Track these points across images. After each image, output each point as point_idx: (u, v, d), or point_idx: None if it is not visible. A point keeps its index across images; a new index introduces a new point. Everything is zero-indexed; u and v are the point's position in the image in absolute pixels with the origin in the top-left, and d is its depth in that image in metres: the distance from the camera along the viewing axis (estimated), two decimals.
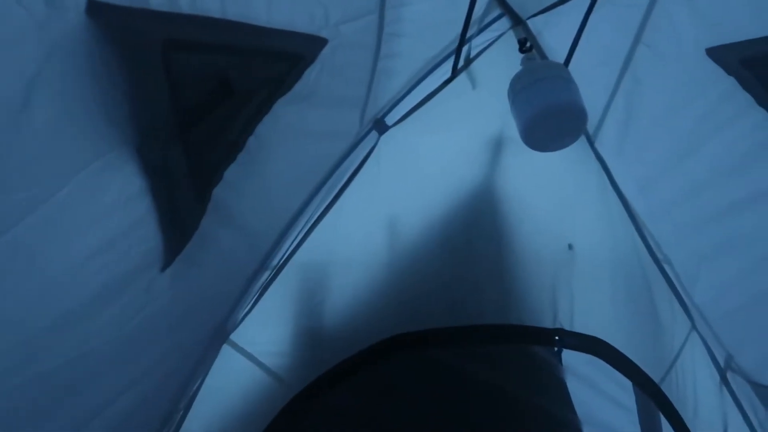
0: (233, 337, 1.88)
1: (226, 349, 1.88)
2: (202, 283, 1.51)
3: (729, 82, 1.48)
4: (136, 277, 1.23)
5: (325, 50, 1.41)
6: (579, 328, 2.16)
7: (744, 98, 1.48)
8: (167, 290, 1.35)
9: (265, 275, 1.87)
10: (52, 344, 1.09)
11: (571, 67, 1.65)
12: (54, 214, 0.96)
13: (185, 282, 1.41)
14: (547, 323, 2.17)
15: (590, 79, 1.61)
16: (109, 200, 1.07)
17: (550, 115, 1.47)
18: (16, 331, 1.00)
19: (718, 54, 1.47)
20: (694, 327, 2.09)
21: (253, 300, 1.89)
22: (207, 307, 1.67)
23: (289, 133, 1.50)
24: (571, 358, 2.26)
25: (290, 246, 1.92)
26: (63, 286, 1.06)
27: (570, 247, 2.14)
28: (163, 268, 1.30)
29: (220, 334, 1.83)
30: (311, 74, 1.42)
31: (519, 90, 1.52)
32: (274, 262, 1.87)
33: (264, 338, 1.99)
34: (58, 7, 0.84)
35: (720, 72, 1.48)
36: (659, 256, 2.06)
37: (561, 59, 1.73)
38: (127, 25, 0.96)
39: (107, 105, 1.00)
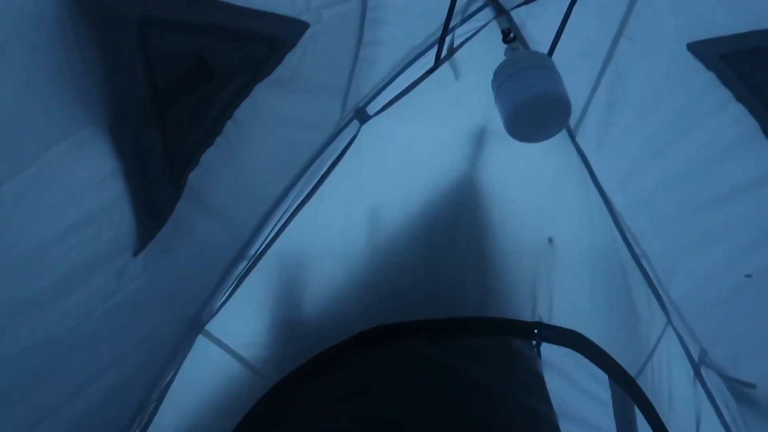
0: (209, 327, 1.85)
1: (201, 339, 1.84)
2: (177, 270, 1.48)
3: (709, 77, 1.50)
4: (107, 262, 1.19)
5: (307, 35, 1.39)
6: (557, 321, 2.18)
7: (723, 93, 1.49)
8: (139, 276, 1.31)
9: (243, 264, 1.84)
10: (14, 328, 1.05)
11: (554, 58, 1.65)
12: (20, 192, 0.92)
13: (159, 269, 1.37)
14: (527, 316, 2.18)
15: (573, 72, 1.61)
16: (80, 181, 1.04)
17: (535, 104, 1.47)
18: None
19: (699, 49, 1.49)
20: (669, 322, 2.12)
21: (230, 290, 1.86)
22: (182, 296, 1.64)
23: (268, 119, 1.47)
24: (549, 350, 2.28)
25: (269, 235, 1.89)
26: (28, 268, 1.02)
27: (550, 240, 2.15)
28: (136, 253, 1.26)
29: (195, 324, 1.79)
30: (292, 59, 1.40)
31: (503, 80, 1.51)
32: (252, 251, 1.84)
33: (241, 329, 1.96)
34: None
35: (700, 66, 1.50)
36: (637, 251, 2.08)
37: (544, 51, 1.72)
38: None
39: (79, 82, 0.97)
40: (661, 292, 2.09)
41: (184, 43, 1.15)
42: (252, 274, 1.92)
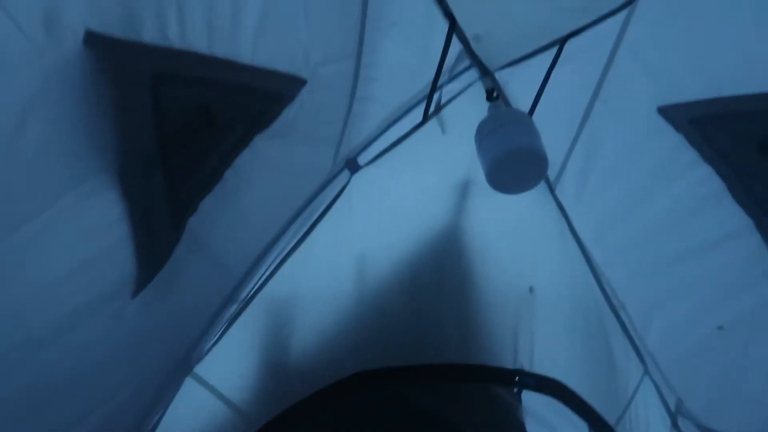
0: (197, 369, 1.86)
1: (189, 381, 1.85)
2: (171, 312, 1.51)
3: (678, 139, 1.59)
4: (108, 302, 1.24)
5: (304, 90, 1.48)
6: (538, 369, 2.21)
7: (692, 154, 1.59)
8: (135, 317, 1.35)
9: (234, 307, 1.87)
10: (18, 365, 1.08)
11: (534, 116, 1.75)
12: (35, 235, 0.97)
13: (154, 310, 1.41)
14: (508, 363, 2.21)
15: (552, 129, 1.70)
16: (90, 224, 1.09)
17: (514, 158, 1.54)
18: None
19: (669, 112, 1.59)
20: (647, 372, 2.17)
21: (220, 332, 1.89)
22: (173, 337, 1.66)
23: (265, 167, 1.54)
24: (530, 398, 2.30)
25: (260, 279, 1.93)
26: (36, 307, 1.06)
27: (531, 289, 2.20)
28: (134, 295, 1.31)
29: (183, 365, 1.81)
30: (290, 112, 1.48)
31: (485, 134, 1.60)
32: (243, 294, 1.88)
33: (228, 371, 1.96)
34: (57, 36, 0.89)
35: (670, 129, 1.60)
36: (615, 302, 2.15)
37: (526, 109, 1.83)
38: (120, 56, 1.01)
39: (95, 131, 1.04)
40: (638, 343, 2.15)
41: (191, 96, 1.23)
42: (242, 317, 1.94)
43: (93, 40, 0.94)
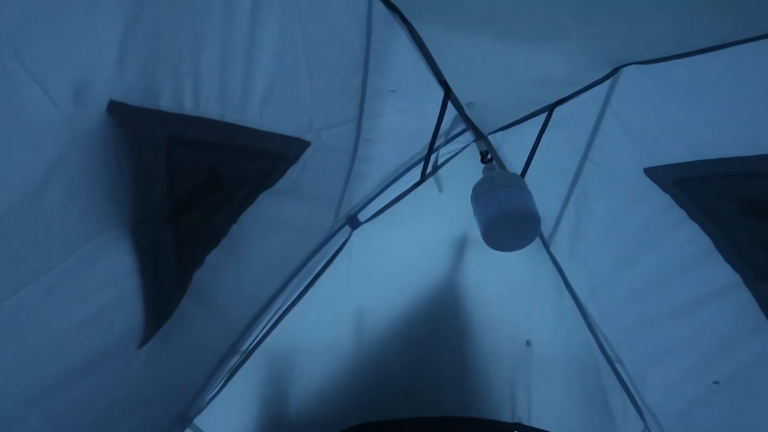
0: (196, 421, 1.88)
1: None
2: (174, 363, 1.56)
3: (665, 199, 1.66)
4: (116, 353, 1.29)
5: (308, 152, 1.57)
6: (536, 422, 2.20)
7: (679, 213, 1.65)
8: (141, 368, 1.40)
9: (234, 359, 1.91)
10: (24, 414, 1.13)
11: (527, 178, 1.83)
12: (52, 285, 1.04)
13: (159, 360, 1.46)
14: (506, 417, 2.21)
15: (545, 189, 1.78)
16: (102, 275, 1.16)
17: (508, 218, 1.62)
18: None
19: (655, 174, 1.66)
20: (647, 428, 2.16)
21: (220, 384, 1.91)
22: (174, 389, 1.70)
23: (269, 224, 1.62)
24: None
25: (260, 332, 1.97)
26: (45, 357, 1.12)
27: (528, 343, 2.23)
28: (141, 345, 1.36)
29: (183, 418, 1.83)
30: (294, 172, 1.58)
31: (480, 195, 1.68)
32: (244, 347, 1.92)
33: (227, 424, 1.97)
34: (84, 105, 0.98)
35: (657, 189, 1.67)
36: (611, 355, 2.16)
37: (518, 170, 1.91)
38: (139, 122, 1.10)
39: (112, 190, 1.12)
40: (636, 397, 2.15)
41: (202, 158, 1.32)
42: (242, 370, 1.97)
43: (115, 108, 1.03)
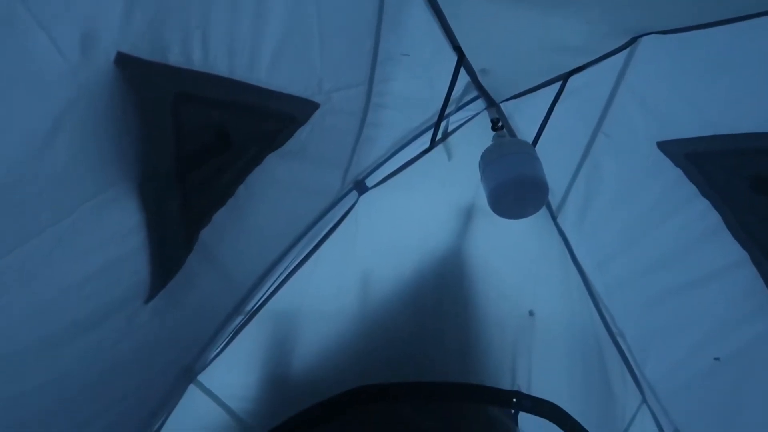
0: (201, 377, 1.91)
1: (192, 389, 1.90)
2: (179, 320, 1.58)
3: (677, 173, 1.64)
4: (121, 307, 1.31)
5: (317, 114, 1.56)
6: (536, 392, 2.23)
7: (690, 188, 1.64)
8: (147, 323, 1.42)
9: (239, 319, 1.93)
10: (35, 364, 1.15)
11: (537, 148, 1.81)
12: (59, 238, 1.05)
13: (164, 317, 1.48)
14: (506, 385, 2.23)
15: (555, 160, 1.76)
16: (109, 230, 1.17)
17: (515, 185, 1.61)
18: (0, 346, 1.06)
19: (667, 147, 1.64)
20: (644, 401, 2.18)
21: (224, 343, 1.94)
22: (179, 345, 1.73)
23: (276, 185, 1.62)
24: (525, 421, 2.32)
25: (265, 293, 1.98)
26: (55, 308, 1.13)
27: (531, 313, 2.24)
28: (147, 301, 1.38)
29: (187, 373, 1.86)
30: (302, 134, 1.56)
31: (489, 162, 1.67)
32: (249, 307, 1.94)
33: (231, 381, 2.01)
34: (91, 56, 0.97)
35: (669, 163, 1.65)
36: (614, 329, 2.18)
37: (530, 140, 1.89)
38: (147, 76, 1.09)
39: (119, 145, 1.12)
40: (636, 371, 2.17)
41: (210, 116, 1.31)
42: (246, 329, 1.99)
43: (123, 61, 1.02)
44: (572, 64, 1.66)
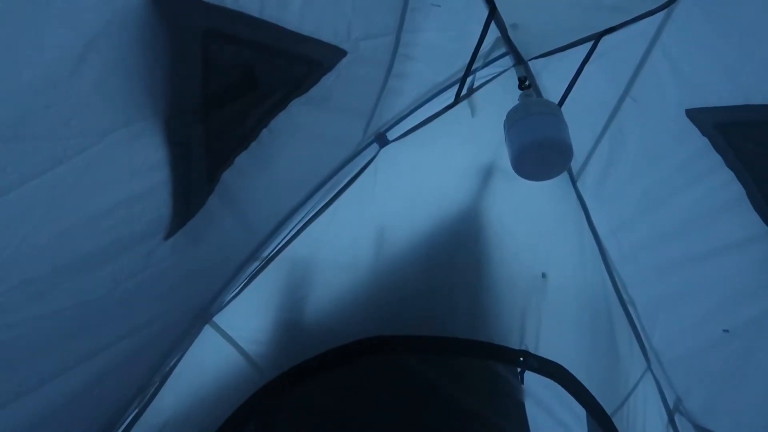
0: (216, 319, 1.96)
1: (207, 329, 1.95)
2: (197, 260, 1.60)
3: (703, 142, 1.62)
4: (141, 241, 1.33)
5: (343, 61, 1.54)
6: (543, 353, 2.26)
7: (715, 158, 1.62)
8: (166, 259, 1.44)
9: (256, 264, 1.96)
10: (59, 288, 1.18)
11: (564, 108, 1.79)
12: (86, 166, 1.05)
13: (183, 255, 1.50)
14: (514, 344, 2.26)
15: (580, 123, 1.74)
16: (135, 163, 1.18)
17: (540, 147, 1.60)
18: (26, 269, 1.08)
19: (696, 115, 1.61)
20: (649, 367, 2.21)
21: (241, 286, 1.98)
22: (197, 285, 1.76)
23: (299, 132, 1.61)
24: (531, 381, 2.36)
25: (283, 239, 2.01)
26: (79, 236, 1.15)
27: (543, 275, 2.26)
28: (166, 238, 1.40)
29: (204, 314, 1.91)
30: (327, 81, 1.55)
31: (514, 121, 1.65)
32: (266, 252, 1.97)
33: (245, 324, 2.06)
34: None
35: (696, 132, 1.62)
36: (624, 296, 2.19)
37: (556, 101, 1.87)
38: (178, 9, 1.08)
39: (147, 78, 1.12)
40: (643, 338, 2.19)
41: (239, 55, 1.30)
42: (262, 275, 2.03)
43: None
44: (606, 23, 1.62)
